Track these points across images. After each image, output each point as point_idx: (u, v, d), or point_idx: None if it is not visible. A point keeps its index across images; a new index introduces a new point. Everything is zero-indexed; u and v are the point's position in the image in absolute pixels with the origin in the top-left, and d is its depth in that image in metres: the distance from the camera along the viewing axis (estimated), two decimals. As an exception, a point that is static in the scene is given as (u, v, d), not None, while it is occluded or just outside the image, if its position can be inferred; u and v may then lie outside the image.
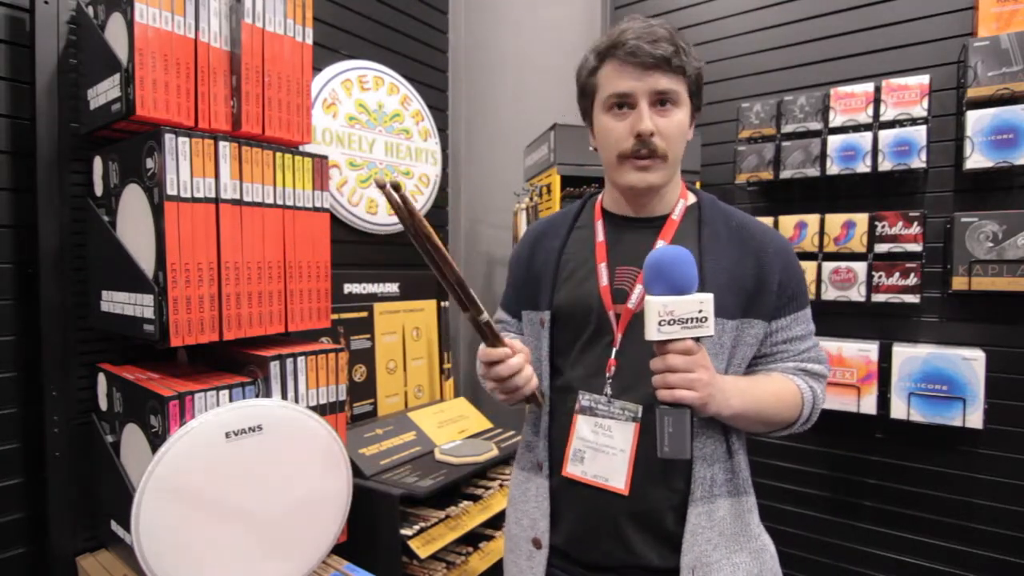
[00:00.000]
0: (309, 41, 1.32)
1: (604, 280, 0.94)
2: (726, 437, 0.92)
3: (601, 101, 0.93)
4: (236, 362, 1.28)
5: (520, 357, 0.88)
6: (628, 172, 0.91)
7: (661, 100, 0.88)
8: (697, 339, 0.77)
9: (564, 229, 1.04)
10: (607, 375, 0.92)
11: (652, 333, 0.75)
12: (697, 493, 0.88)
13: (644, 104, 0.88)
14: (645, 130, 0.87)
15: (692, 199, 1.00)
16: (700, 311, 0.74)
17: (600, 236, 0.99)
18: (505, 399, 0.92)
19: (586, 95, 0.97)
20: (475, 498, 1.63)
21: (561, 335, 0.99)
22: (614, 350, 0.92)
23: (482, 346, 0.89)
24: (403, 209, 0.76)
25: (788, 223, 1.82)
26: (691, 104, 0.92)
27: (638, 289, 0.92)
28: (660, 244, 0.93)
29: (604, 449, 0.91)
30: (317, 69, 1.80)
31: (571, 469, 0.93)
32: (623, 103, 0.90)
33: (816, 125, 1.78)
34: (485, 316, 0.85)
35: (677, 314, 0.74)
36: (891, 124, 1.68)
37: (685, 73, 0.89)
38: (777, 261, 0.92)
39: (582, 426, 0.93)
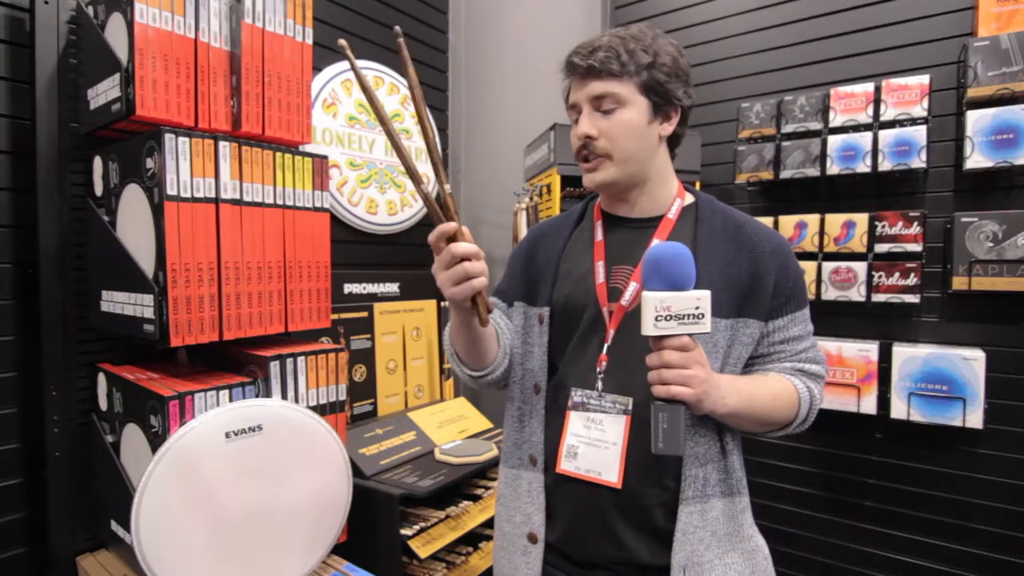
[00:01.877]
0: (309, 41, 1.32)
1: (600, 278, 0.96)
2: (720, 437, 0.93)
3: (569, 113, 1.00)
4: (236, 362, 1.28)
5: (474, 246, 0.83)
6: (583, 173, 0.98)
7: (601, 105, 0.92)
8: (691, 336, 0.77)
9: (566, 230, 1.07)
10: (598, 370, 0.93)
11: (648, 328, 0.75)
12: (689, 492, 0.88)
13: (586, 110, 0.94)
14: (579, 133, 0.94)
15: (689, 199, 1.01)
16: (697, 307, 0.74)
17: (599, 236, 1.01)
18: (454, 292, 0.84)
19: (567, 108, 1.03)
20: (475, 498, 1.63)
21: (557, 332, 1.00)
22: (606, 346, 0.93)
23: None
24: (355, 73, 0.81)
25: (788, 223, 1.82)
26: (648, 100, 0.92)
27: (632, 287, 0.93)
28: (655, 243, 0.94)
29: (596, 443, 0.91)
30: (317, 69, 1.80)
31: (565, 465, 0.94)
32: (575, 114, 0.96)
33: (816, 125, 1.78)
34: (434, 188, 0.84)
35: (674, 310, 0.74)
36: (891, 124, 1.68)
37: (625, 74, 0.91)
38: (773, 261, 0.92)
39: (575, 422, 0.94)
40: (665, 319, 0.74)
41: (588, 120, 0.93)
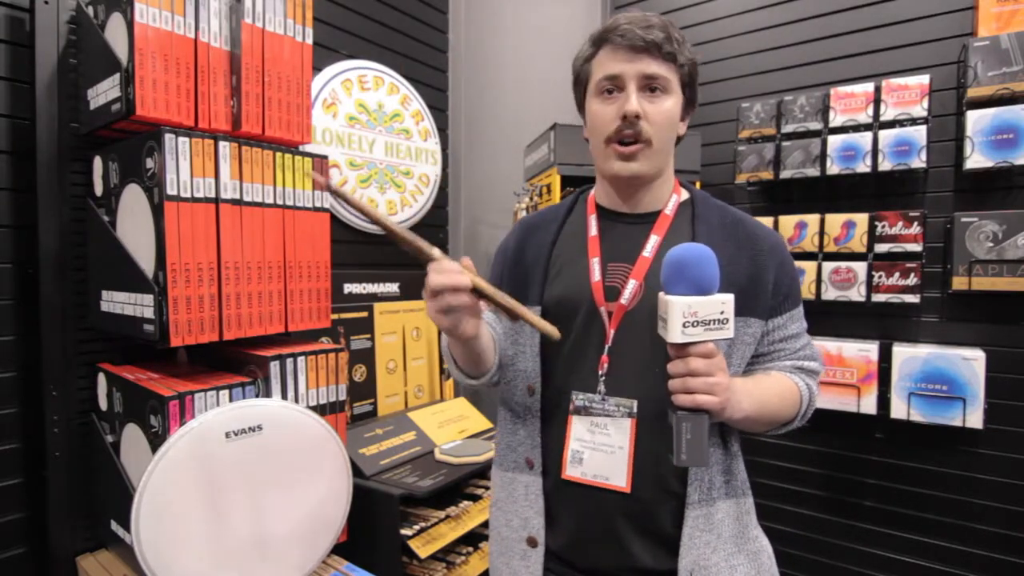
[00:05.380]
0: (309, 41, 1.32)
1: (596, 276, 0.93)
2: (724, 440, 0.92)
3: (592, 86, 0.93)
4: (236, 362, 1.28)
5: (464, 277, 0.77)
6: (612, 159, 0.90)
7: (650, 85, 0.88)
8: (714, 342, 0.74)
9: (556, 224, 1.02)
10: (600, 373, 0.91)
11: (676, 335, 0.71)
12: (695, 496, 0.87)
13: (632, 87, 0.87)
14: (631, 111, 0.86)
15: (685, 195, 0.99)
16: (722, 312, 0.71)
17: (593, 231, 0.97)
18: (442, 323, 0.81)
19: (580, 83, 0.97)
20: (475, 498, 1.63)
21: None
22: (607, 347, 0.91)
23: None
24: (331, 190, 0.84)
25: (788, 223, 1.82)
26: (683, 96, 0.91)
27: (631, 285, 0.90)
28: (653, 239, 0.92)
29: (602, 448, 0.89)
30: (317, 69, 1.80)
31: (570, 471, 0.91)
32: (612, 86, 0.89)
33: (816, 125, 1.78)
34: (436, 252, 0.80)
35: (700, 315, 0.71)
36: (891, 124, 1.68)
37: (676, 62, 0.88)
38: (772, 259, 0.91)
39: (578, 426, 0.92)
40: (692, 325, 0.71)
41: (637, 99, 0.86)
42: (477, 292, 0.80)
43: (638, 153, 0.89)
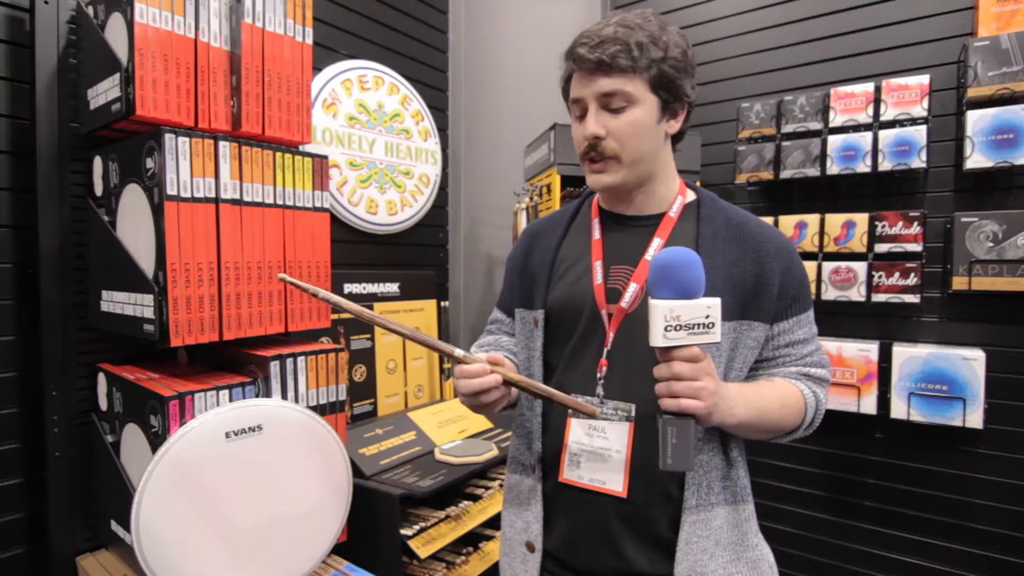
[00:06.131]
0: (309, 41, 1.32)
1: (598, 278, 0.93)
2: (724, 446, 0.91)
3: (569, 109, 0.96)
4: (236, 362, 1.28)
5: (492, 378, 0.85)
6: (588, 174, 0.94)
7: (609, 103, 0.88)
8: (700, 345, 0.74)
9: (561, 228, 1.03)
10: (598, 376, 0.90)
11: (658, 339, 0.71)
12: (692, 501, 0.86)
13: (593, 108, 0.89)
14: (588, 134, 0.89)
15: (691, 196, 0.98)
16: (707, 316, 0.71)
17: (596, 234, 0.98)
18: (483, 413, 0.93)
19: (567, 101, 0.99)
20: (475, 498, 1.63)
21: (554, 334, 0.97)
22: (605, 350, 0.90)
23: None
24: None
25: (788, 223, 1.82)
26: (657, 98, 0.89)
27: (632, 288, 0.90)
28: (656, 242, 0.92)
29: (600, 451, 0.89)
30: (317, 69, 1.80)
31: (568, 475, 0.91)
32: (579, 109, 0.92)
33: (816, 125, 1.78)
34: (459, 352, 0.88)
35: (684, 319, 0.71)
36: (891, 124, 1.68)
37: (636, 70, 0.86)
38: (778, 262, 0.90)
39: (576, 429, 0.91)
40: (675, 329, 0.71)
41: (596, 119, 0.88)
42: (508, 383, 0.87)
43: (606, 167, 0.91)
